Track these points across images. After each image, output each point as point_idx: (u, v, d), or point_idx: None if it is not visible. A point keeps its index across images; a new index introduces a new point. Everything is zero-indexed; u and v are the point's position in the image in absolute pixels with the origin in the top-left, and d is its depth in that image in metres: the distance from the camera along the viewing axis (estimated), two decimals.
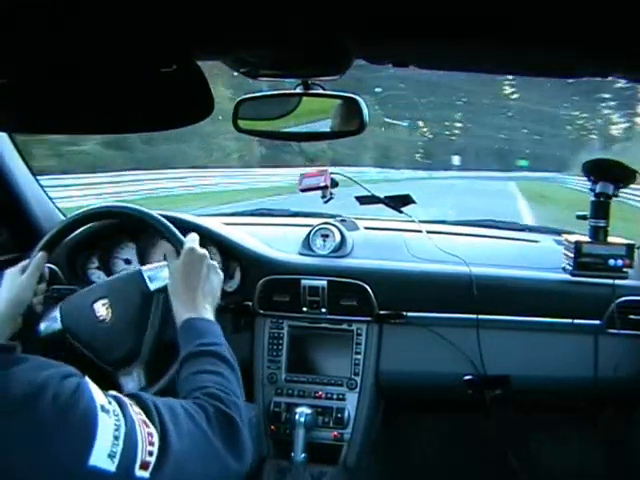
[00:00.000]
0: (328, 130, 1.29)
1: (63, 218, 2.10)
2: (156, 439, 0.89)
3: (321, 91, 1.17)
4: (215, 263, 1.45)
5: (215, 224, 2.06)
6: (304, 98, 1.19)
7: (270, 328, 1.99)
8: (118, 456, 0.82)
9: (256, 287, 1.97)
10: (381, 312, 1.93)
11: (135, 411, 0.90)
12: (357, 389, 1.94)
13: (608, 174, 1.83)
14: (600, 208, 1.84)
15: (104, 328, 1.51)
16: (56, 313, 1.55)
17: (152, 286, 1.49)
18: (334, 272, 1.95)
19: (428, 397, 2.12)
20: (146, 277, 1.51)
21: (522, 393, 1.99)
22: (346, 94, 1.24)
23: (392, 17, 0.78)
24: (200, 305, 1.32)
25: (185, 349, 1.21)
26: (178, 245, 1.49)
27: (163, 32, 0.88)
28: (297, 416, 1.80)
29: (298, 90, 1.16)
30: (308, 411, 1.82)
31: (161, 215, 1.72)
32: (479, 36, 0.84)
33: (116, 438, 0.83)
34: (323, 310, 1.94)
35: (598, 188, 1.82)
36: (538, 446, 2.24)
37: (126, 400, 0.91)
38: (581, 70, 0.98)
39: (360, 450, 1.93)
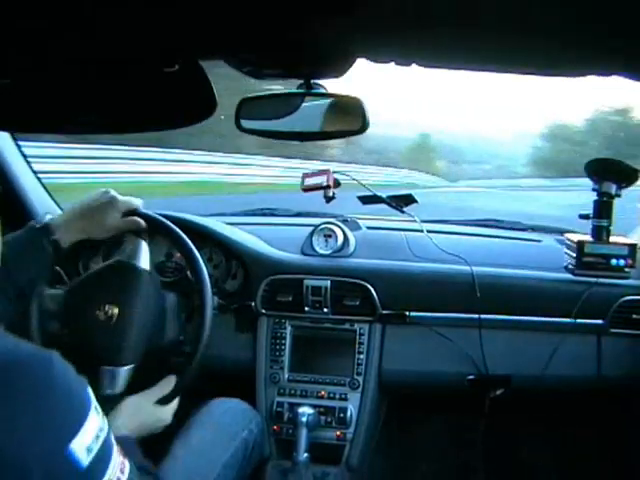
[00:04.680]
0: (330, 130, 1.29)
1: None
2: (127, 471, 0.92)
3: (323, 91, 1.17)
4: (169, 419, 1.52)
5: (217, 224, 2.06)
6: (306, 98, 1.19)
7: (273, 328, 1.99)
8: (94, 454, 0.84)
9: (259, 287, 1.97)
10: (384, 312, 1.93)
11: (114, 440, 0.92)
12: (360, 389, 1.94)
13: (611, 174, 1.83)
14: (603, 208, 1.84)
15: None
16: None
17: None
18: (337, 272, 1.96)
19: (431, 397, 2.12)
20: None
21: (524, 392, 1.99)
22: (348, 94, 1.24)
23: (394, 16, 0.78)
24: (136, 431, 1.40)
25: None
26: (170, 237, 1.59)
27: (166, 32, 0.88)
28: (300, 416, 1.79)
29: (300, 90, 1.16)
30: (311, 411, 1.81)
31: (163, 215, 1.72)
32: (481, 34, 0.84)
33: (97, 437, 0.85)
34: (326, 310, 1.94)
35: (601, 188, 1.82)
36: (540, 445, 2.24)
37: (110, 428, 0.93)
38: (584, 69, 0.98)
39: (363, 450, 1.93)
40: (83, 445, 0.83)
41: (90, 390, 0.89)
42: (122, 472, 0.90)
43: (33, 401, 0.81)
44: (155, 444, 1.43)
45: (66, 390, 0.84)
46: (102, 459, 0.86)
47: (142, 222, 1.61)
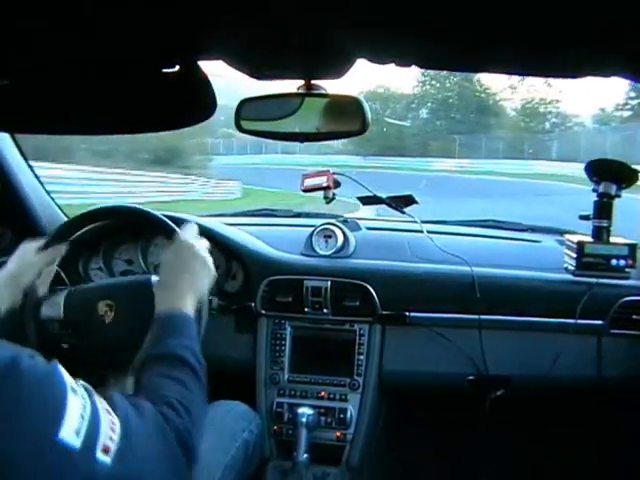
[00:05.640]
0: (330, 130, 1.29)
1: (65, 218, 2.10)
2: (118, 428, 0.92)
3: (323, 91, 1.17)
4: (208, 256, 1.43)
5: (217, 225, 2.06)
6: (306, 98, 1.19)
7: (272, 329, 1.99)
8: (83, 433, 0.86)
9: (259, 288, 1.97)
10: (384, 312, 1.93)
11: (99, 399, 0.93)
12: (360, 389, 1.94)
13: (611, 174, 1.83)
14: (603, 208, 1.84)
15: (102, 327, 1.51)
16: (60, 300, 1.56)
17: None
18: (337, 273, 1.96)
19: (431, 397, 2.12)
20: (154, 283, 1.49)
21: (524, 393, 1.99)
22: (348, 94, 1.24)
23: (394, 17, 0.78)
24: (182, 299, 1.31)
25: (156, 344, 1.21)
26: (170, 236, 1.49)
27: (166, 32, 0.88)
28: (299, 416, 1.79)
29: (300, 91, 1.17)
30: (310, 411, 1.81)
31: (163, 215, 1.73)
32: (481, 37, 0.84)
33: (82, 417, 0.87)
34: (325, 311, 1.94)
35: (601, 188, 1.82)
36: (539, 445, 2.24)
37: (91, 389, 0.94)
38: (582, 70, 0.98)
39: (363, 450, 1.93)
40: (71, 430, 0.84)
41: (62, 372, 0.89)
42: (113, 431, 0.91)
43: (7, 405, 0.81)
44: None
45: (37, 387, 0.85)
46: (92, 432, 0.87)
47: (58, 249, 1.61)
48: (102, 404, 0.93)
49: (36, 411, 0.83)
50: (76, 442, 0.84)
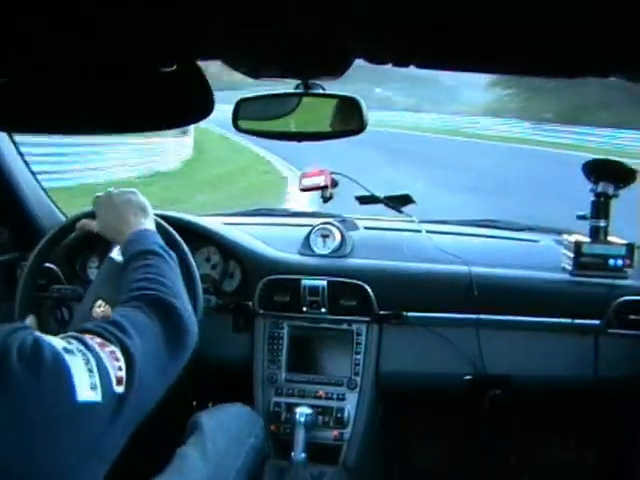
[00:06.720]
0: (328, 130, 1.29)
1: (63, 217, 2.10)
2: (119, 354, 0.95)
3: (321, 91, 1.17)
4: (119, 190, 1.51)
5: (215, 224, 2.06)
6: (304, 98, 1.19)
7: (270, 328, 1.99)
8: (98, 385, 0.88)
9: (256, 287, 1.97)
10: (381, 312, 1.93)
11: (90, 339, 0.95)
12: (357, 389, 1.94)
13: (608, 174, 1.83)
14: (600, 208, 1.84)
15: None
16: None
17: None
18: (334, 272, 1.96)
19: (428, 397, 2.12)
20: (117, 258, 1.50)
21: (522, 393, 1.99)
22: (346, 94, 1.24)
23: (393, 17, 0.78)
24: (135, 224, 1.40)
25: (124, 256, 1.32)
26: (91, 213, 1.56)
27: (165, 33, 0.88)
28: (297, 416, 1.79)
29: (298, 90, 1.17)
30: (308, 411, 1.81)
31: (159, 215, 1.72)
32: (480, 36, 0.84)
33: (90, 371, 0.88)
34: (323, 310, 1.94)
35: (599, 188, 1.83)
36: (538, 445, 2.24)
37: (79, 334, 0.96)
38: (581, 70, 0.98)
39: (360, 450, 1.93)
40: (87, 390, 0.86)
41: (47, 340, 0.89)
42: (117, 360, 0.93)
43: (21, 394, 0.83)
44: (164, 446, 1.42)
45: (34, 370, 0.85)
46: (104, 378, 0.89)
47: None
48: (94, 340, 0.94)
49: (43, 389, 0.84)
50: (96, 396, 0.86)
